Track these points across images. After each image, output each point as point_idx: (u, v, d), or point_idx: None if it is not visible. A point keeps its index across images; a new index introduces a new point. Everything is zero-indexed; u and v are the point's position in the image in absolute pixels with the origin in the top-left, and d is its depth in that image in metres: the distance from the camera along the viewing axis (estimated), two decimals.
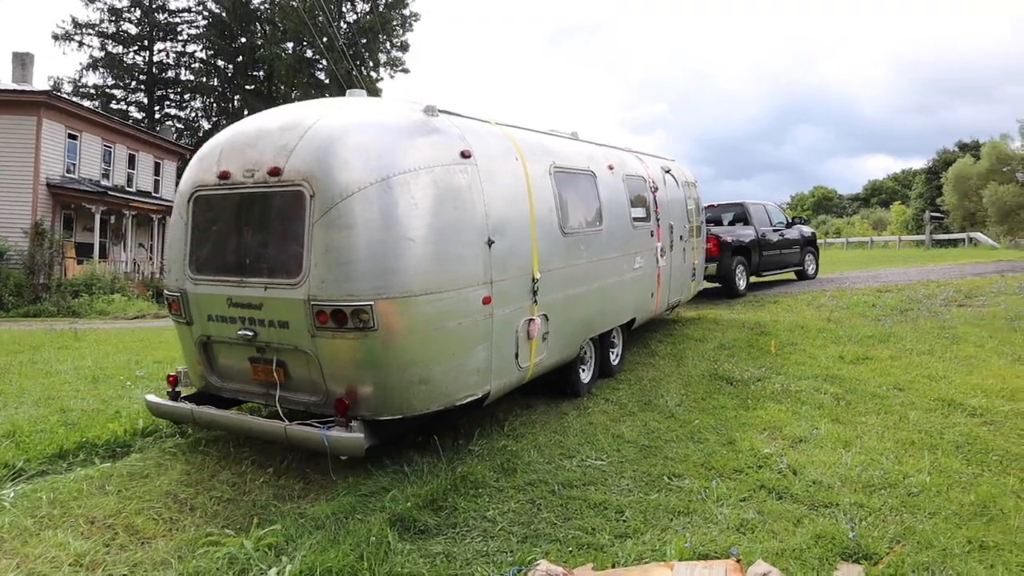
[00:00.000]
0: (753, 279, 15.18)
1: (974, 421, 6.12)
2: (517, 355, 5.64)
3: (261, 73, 36.02)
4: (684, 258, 10.14)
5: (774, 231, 15.14)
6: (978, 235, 31.66)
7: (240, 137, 5.07)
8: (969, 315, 10.50)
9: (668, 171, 9.91)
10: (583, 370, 7.24)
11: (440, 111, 5.34)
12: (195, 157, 5.37)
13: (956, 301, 11.80)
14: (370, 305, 4.43)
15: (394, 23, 38.73)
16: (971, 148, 50.24)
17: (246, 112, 34.80)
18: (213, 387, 5.45)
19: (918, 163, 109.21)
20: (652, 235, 8.74)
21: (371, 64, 38.81)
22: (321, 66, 36.58)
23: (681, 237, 9.93)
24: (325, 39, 33.62)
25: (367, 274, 4.48)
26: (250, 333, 4.85)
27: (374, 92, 38.35)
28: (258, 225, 4.98)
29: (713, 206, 15.30)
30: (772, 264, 15.16)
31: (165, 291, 5.55)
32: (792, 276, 16.50)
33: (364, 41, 37.18)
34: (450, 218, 4.93)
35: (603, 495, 4.58)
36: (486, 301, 5.14)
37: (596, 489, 4.71)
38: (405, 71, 40.43)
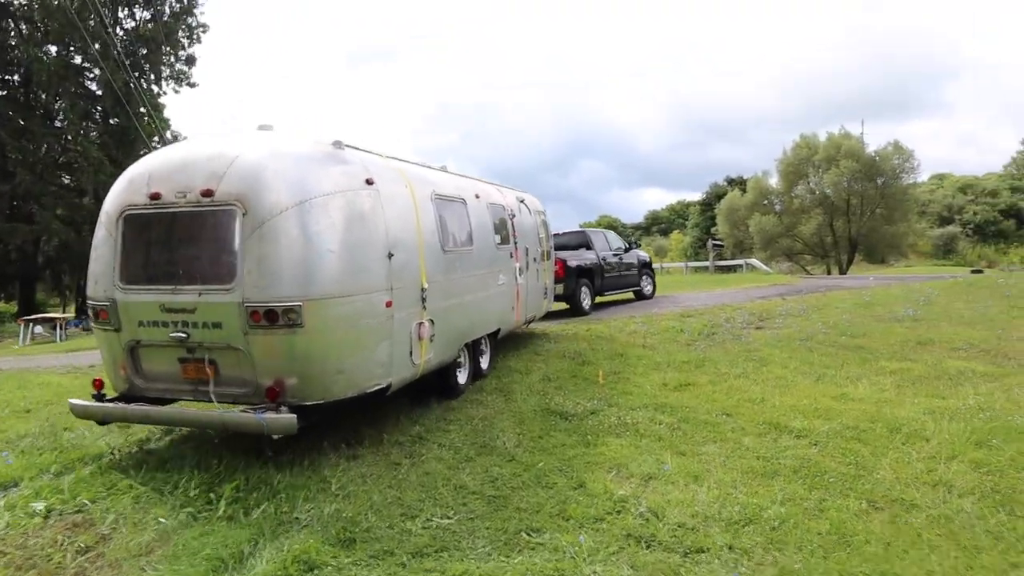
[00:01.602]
0: (598, 299, 16.80)
1: (801, 443, 6.44)
2: (411, 353, 6.70)
3: (16, 77, 31.21)
4: (538, 278, 11.59)
5: (614, 255, 17.06)
6: (754, 261, 35.54)
7: (168, 164, 5.83)
8: (769, 337, 11.39)
9: (522, 201, 11.34)
10: (460, 373, 8.33)
11: (346, 145, 6.38)
12: (121, 181, 6.05)
13: (753, 324, 12.81)
14: (299, 305, 5.33)
15: (179, 34, 35.54)
16: (738, 183, 56.72)
17: None
18: (138, 389, 6.08)
19: (688, 195, 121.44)
20: (512, 256, 10.12)
21: (152, 77, 35.19)
22: (93, 75, 32.47)
23: (535, 259, 11.36)
24: (98, 45, 29.94)
25: (295, 280, 5.37)
26: (183, 335, 5.58)
27: (156, 107, 34.76)
28: (191, 239, 5.82)
29: (559, 234, 16.65)
30: (613, 285, 17.00)
31: (91, 301, 6.07)
32: (631, 296, 18.35)
33: (144, 52, 33.62)
34: (360, 234, 5.95)
35: (461, 564, 4.09)
36: (388, 305, 6.18)
37: (451, 556, 4.20)
38: (192, 85, 37.12)
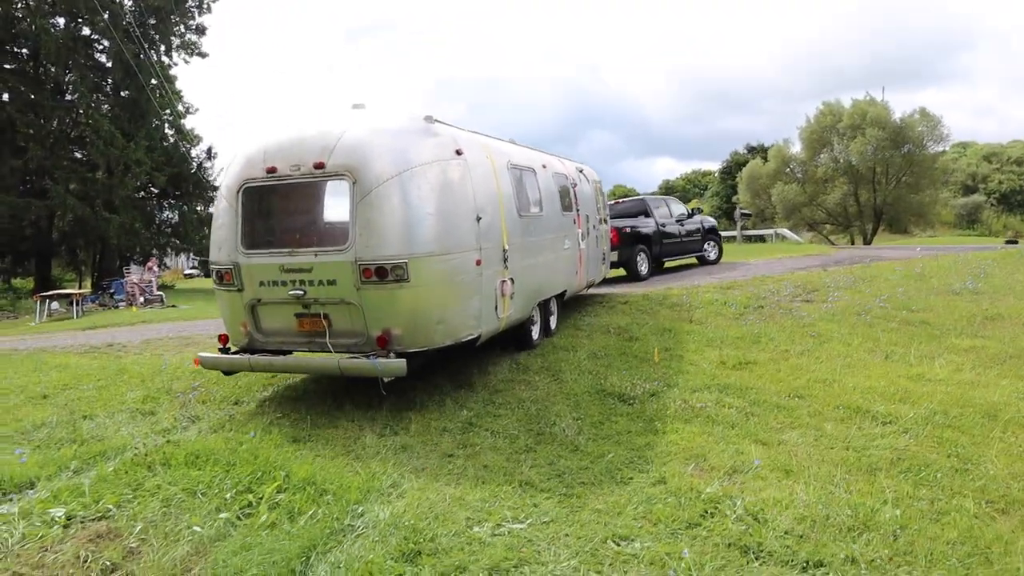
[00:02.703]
0: (667, 264, 18.04)
1: (890, 431, 5.84)
2: (496, 308, 7.24)
3: (25, 50, 30.44)
4: (597, 244, 12.23)
5: (676, 222, 17.51)
6: (784, 231, 34.65)
7: (281, 141, 6.43)
8: (822, 311, 10.72)
9: (581, 171, 11.87)
10: (534, 329, 8.89)
11: (435, 120, 6.82)
12: (239, 158, 6.61)
13: (800, 297, 12.12)
14: (405, 262, 5.95)
15: (189, 3, 34.60)
16: (759, 151, 55.41)
17: (6, 96, 29.24)
18: (257, 343, 6.72)
19: (702, 164, 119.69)
20: (574, 223, 10.60)
21: (162, 48, 34.34)
22: (102, 46, 31.65)
23: (594, 226, 11.95)
24: (107, 16, 29.09)
25: (401, 239, 5.97)
26: (301, 291, 6.24)
27: (168, 79, 34.00)
28: (305, 206, 7.05)
29: (620, 201, 18.10)
30: (673, 251, 17.51)
31: (214, 265, 6.69)
32: (694, 261, 18.84)
33: (153, 22, 32.75)
34: (453, 199, 6.52)
35: None
36: (478, 263, 6.73)
37: (533, 572, 3.61)
38: (202, 55, 36.29)
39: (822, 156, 46.09)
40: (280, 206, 6.97)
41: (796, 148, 48.00)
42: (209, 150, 35.22)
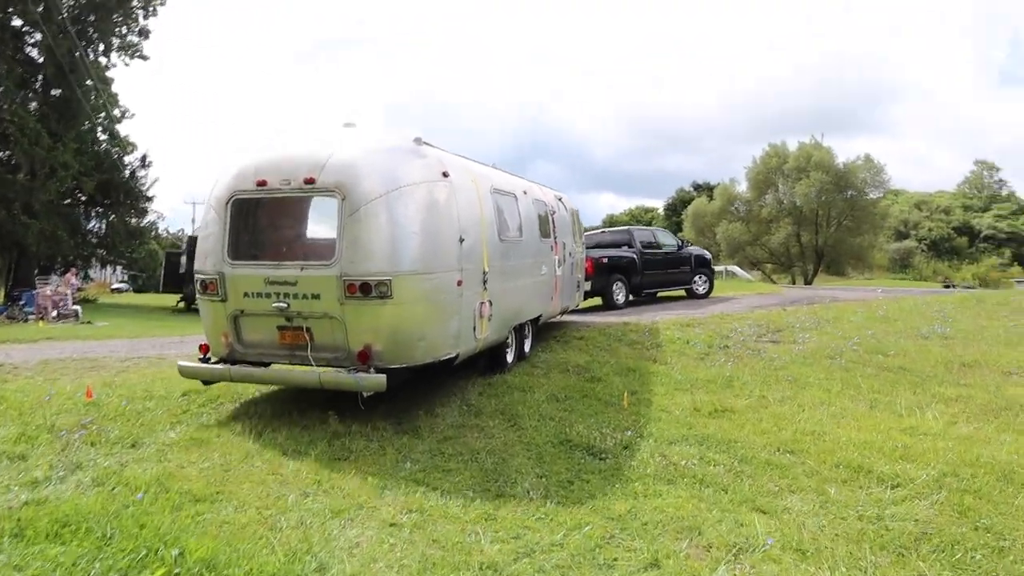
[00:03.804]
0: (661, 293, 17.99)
1: (901, 495, 5.10)
2: (474, 328, 7.19)
3: None
4: (572, 271, 12.13)
5: (661, 253, 17.43)
6: (735, 268, 34.55)
7: (272, 155, 6.48)
8: (792, 353, 10.08)
9: (560, 199, 11.90)
10: (508, 352, 8.81)
11: (423, 142, 6.84)
12: (229, 170, 6.59)
13: (765, 337, 11.50)
14: (389, 279, 5.98)
15: (133, 2, 32.71)
16: (704, 189, 56.06)
17: None
18: (238, 354, 6.66)
19: (641, 200, 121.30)
20: (552, 249, 10.57)
21: (101, 47, 32.32)
22: (33, 40, 29.58)
23: (571, 254, 11.93)
24: (41, 8, 27.16)
25: (386, 257, 6.03)
26: (284, 304, 6.23)
27: (103, 80, 31.95)
28: (293, 221, 7.57)
29: (605, 231, 18.41)
30: (655, 282, 17.36)
31: (199, 275, 6.63)
32: (682, 293, 18.33)
33: (92, 18, 30.78)
34: (439, 219, 6.53)
35: None
36: (459, 284, 6.71)
37: None
38: (143, 57, 34.39)
39: (767, 196, 46.73)
40: (268, 219, 7.16)
41: (742, 187, 48.65)
42: (143, 158, 33.36)
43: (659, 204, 78.19)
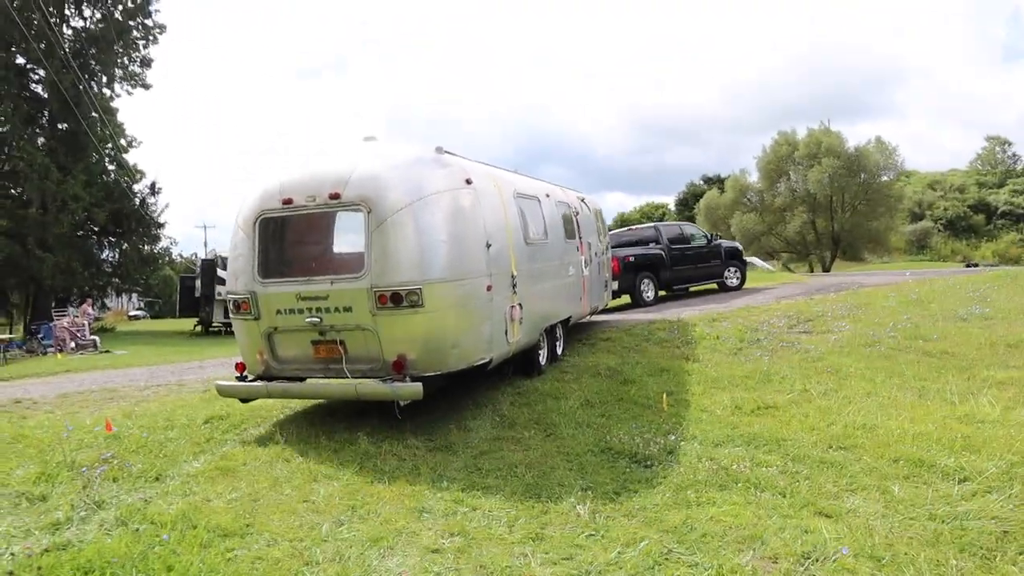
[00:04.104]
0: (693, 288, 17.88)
1: (971, 490, 4.76)
2: (506, 332, 7.22)
3: None
4: (599, 271, 12.19)
5: (690, 248, 17.36)
6: (754, 259, 34.11)
7: (296, 173, 6.59)
8: (829, 343, 9.73)
9: (583, 199, 11.88)
10: (540, 355, 8.76)
11: (445, 151, 6.89)
12: (255, 191, 6.71)
13: (797, 327, 11.16)
14: (420, 288, 6.05)
15: (134, 34, 32.76)
16: (715, 181, 55.58)
17: None
18: (274, 370, 6.76)
19: (653, 198, 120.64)
20: (578, 250, 10.58)
21: (103, 79, 32.38)
22: (37, 76, 29.63)
23: (596, 254, 11.93)
24: (43, 44, 27.23)
25: (415, 266, 6.10)
26: (317, 319, 6.33)
27: (108, 111, 32.00)
28: (321, 236, 7.75)
29: (632, 229, 18.46)
30: (685, 277, 17.29)
31: (231, 295, 6.77)
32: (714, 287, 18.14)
33: (94, 51, 30.85)
34: (464, 226, 6.58)
35: None
36: (489, 289, 6.74)
37: None
38: (145, 87, 34.42)
39: (780, 185, 46.21)
40: (296, 236, 7.31)
41: (753, 177, 48.14)
42: (153, 185, 33.40)
43: (669, 200, 77.75)
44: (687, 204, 59.41)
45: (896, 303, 12.42)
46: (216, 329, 26.30)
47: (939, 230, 68.58)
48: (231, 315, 6.92)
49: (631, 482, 5.13)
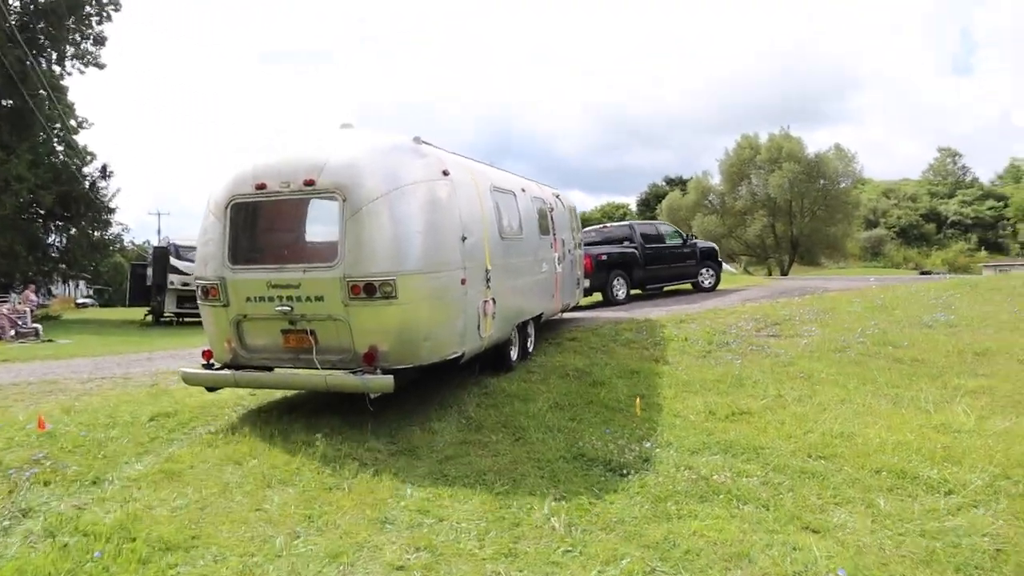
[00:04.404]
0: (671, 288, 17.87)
1: (956, 503, 4.65)
2: (479, 327, 7.08)
3: None
4: (572, 269, 12.07)
5: (664, 248, 17.18)
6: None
7: (271, 158, 6.39)
8: (798, 348, 9.61)
9: (557, 196, 11.77)
10: (512, 351, 8.65)
11: (422, 141, 6.77)
12: (227, 175, 6.53)
13: (764, 331, 11.04)
14: (393, 279, 5.93)
15: (86, 8, 31.36)
16: (677, 183, 55.93)
17: None
18: (242, 359, 6.62)
19: (610, 197, 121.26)
20: (551, 246, 10.47)
21: (53, 55, 30.93)
22: None
23: (569, 251, 11.80)
24: None
25: (389, 257, 5.98)
26: (288, 307, 6.17)
27: (58, 89, 30.61)
28: (294, 223, 7.48)
29: (606, 226, 18.24)
30: (659, 277, 17.16)
31: (200, 281, 6.62)
32: (688, 287, 18.10)
33: (43, 25, 29.44)
34: (440, 218, 6.49)
35: None
36: (463, 282, 6.66)
37: None
38: (99, 66, 33.03)
39: (741, 189, 46.66)
40: (268, 223, 7.10)
41: (715, 180, 48.55)
42: (104, 168, 32.00)
43: (629, 200, 78.06)
44: (648, 204, 59.70)
45: (861, 308, 12.41)
46: (168, 319, 25.38)
47: (892, 237, 70.18)
48: (199, 301, 6.72)
49: (607, 492, 4.86)
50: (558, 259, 10.83)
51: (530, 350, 9.51)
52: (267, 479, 5.05)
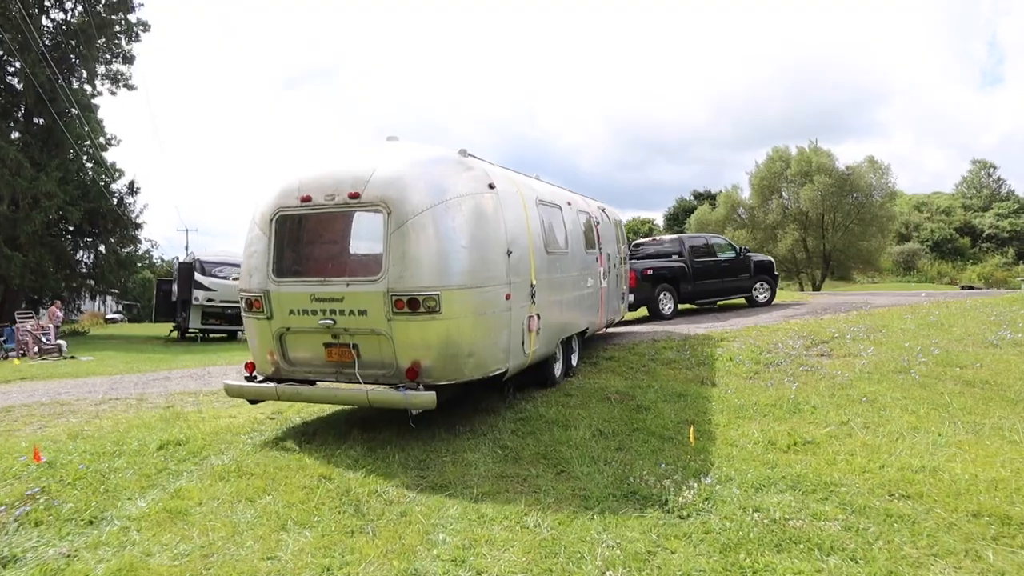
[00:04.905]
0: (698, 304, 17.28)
1: None
2: (523, 343, 7.01)
3: None
4: (617, 283, 11.99)
5: (716, 260, 16.70)
6: None
7: (316, 171, 6.34)
8: (854, 369, 8.89)
9: (603, 209, 11.54)
10: (556, 366, 8.49)
11: (468, 154, 6.81)
12: (273, 188, 6.50)
13: (814, 350, 10.34)
14: (437, 294, 5.82)
15: (116, 28, 31.53)
16: (705, 197, 55.06)
17: None
18: (284, 372, 6.57)
19: (635, 213, 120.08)
20: (597, 261, 10.27)
21: (83, 75, 31.12)
22: (13, 68, 28.39)
23: (615, 265, 11.66)
24: (20, 35, 25.99)
25: (434, 271, 5.86)
26: (331, 321, 6.10)
27: (88, 108, 30.76)
28: (338, 236, 7.27)
29: (656, 239, 18.00)
30: (709, 291, 16.63)
31: (245, 293, 6.55)
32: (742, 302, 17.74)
33: (73, 43, 29.63)
34: (486, 232, 6.40)
35: None
36: (508, 297, 6.60)
37: None
38: (129, 87, 33.16)
39: (771, 203, 45.71)
40: (313, 235, 7.04)
41: (745, 194, 47.64)
42: (131, 184, 32.15)
43: (655, 215, 77.29)
44: (677, 219, 58.85)
45: (915, 325, 11.64)
46: (193, 336, 25.15)
47: (926, 252, 68.56)
48: (243, 313, 6.65)
49: (665, 537, 4.24)
50: (603, 273, 10.67)
51: (574, 366, 9.33)
52: (282, 520, 4.50)
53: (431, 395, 5.70)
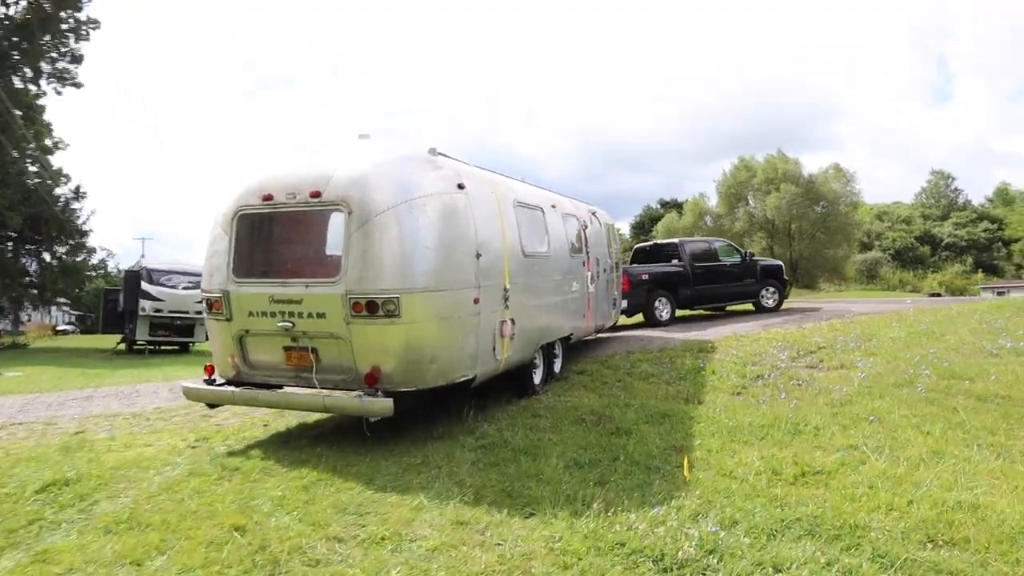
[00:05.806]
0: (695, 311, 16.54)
1: None
2: (494, 348, 6.77)
3: None
4: (607, 288, 11.54)
5: (716, 266, 15.89)
6: None
7: (279, 168, 6.20)
8: (851, 382, 8.09)
9: (594, 213, 11.23)
10: (535, 373, 8.15)
11: (438, 152, 6.49)
12: (237, 186, 6.32)
13: (801, 361, 9.55)
14: (397, 297, 5.60)
15: (63, 26, 29.92)
16: (672, 205, 54.73)
17: None
18: (244, 375, 6.41)
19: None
20: (583, 265, 9.98)
21: (27, 73, 29.44)
22: None
23: (605, 270, 11.27)
24: None
25: (395, 273, 5.65)
26: (289, 324, 5.89)
27: (32, 108, 29.13)
28: (299, 236, 7.10)
29: (656, 243, 17.44)
30: (710, 296, 15.89)
31: (205, 294, 6.37)
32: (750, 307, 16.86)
33: (15, 39, 27.99)
34: (453, 233, 6.18)
35: None
36: (476, 301, 6.36)
37: None
38: (76, 85, 31.57)
39: (739, 210, 45.47)
40: (274, 235, 6.84)
41: (712, 202, 47.37)
42: (77, 189, 30.47)
43: (620, 224, 77.02)
44: (644, 228, 58.43)
45: (905, 334, 10.93)
46: (141, 348, 23.67)
47: (888, 260, 69.24)
48: (204, 314, 6.51)
49: None
50: (591, 278, 10.34)
51: (556, 371, 9.01)
52: (246, 565, 3.46)
53: (388, 402, 5.43)
